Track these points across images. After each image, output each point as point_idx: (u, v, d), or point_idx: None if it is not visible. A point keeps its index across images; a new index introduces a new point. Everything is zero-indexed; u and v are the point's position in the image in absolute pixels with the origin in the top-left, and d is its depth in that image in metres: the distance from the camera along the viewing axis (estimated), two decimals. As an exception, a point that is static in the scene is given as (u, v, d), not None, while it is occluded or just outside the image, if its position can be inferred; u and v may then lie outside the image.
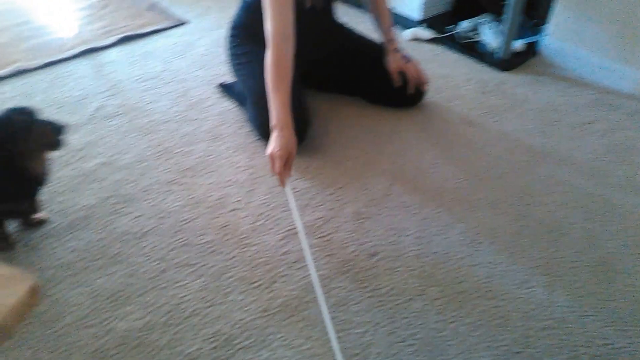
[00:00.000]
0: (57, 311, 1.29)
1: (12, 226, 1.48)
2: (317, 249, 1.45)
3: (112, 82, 2.08)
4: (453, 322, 1.28)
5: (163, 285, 1.36)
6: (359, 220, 1.54)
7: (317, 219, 1.54)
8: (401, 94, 1.96)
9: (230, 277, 1.38)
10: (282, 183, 1.43)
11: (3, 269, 1.00)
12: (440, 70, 2.24)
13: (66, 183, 1.64)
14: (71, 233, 1.49)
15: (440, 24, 2.53)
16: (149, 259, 1.42)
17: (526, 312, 1.31)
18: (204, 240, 1.47)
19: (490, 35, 2.37)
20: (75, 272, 1.38)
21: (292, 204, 1.41)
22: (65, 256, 1.42)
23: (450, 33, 2.46)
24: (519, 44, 2.32)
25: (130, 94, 2.03)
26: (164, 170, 1.70)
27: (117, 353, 1.21)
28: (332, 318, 1.28)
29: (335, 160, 1.75)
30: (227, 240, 1.48)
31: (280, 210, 1.56)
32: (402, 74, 1.93)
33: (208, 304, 1.32)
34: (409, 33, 2.47)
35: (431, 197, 1.63)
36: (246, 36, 1.89)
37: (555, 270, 1.42)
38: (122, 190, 1.62)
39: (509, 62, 2.27)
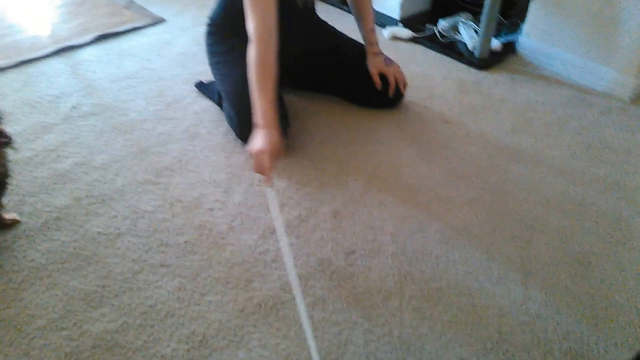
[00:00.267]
0: (28, 314, 1.27)
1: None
2: (294, 247, 1.45)
3: (88, 81, 2.05)
4: (429, 319, 1.29)
5: (138, 287, 1.34)
6: (336, 219, 1.54)
7: (294, 217, 1.54)
8: (381, 95, 1.96)
9: (207, 277, 1.37)
10: (268, 181, 1.39)
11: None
12: (419, 69, 2.25)
13: (39, 184, 1.62)
14: (44, 234, 1.46)
15: (419, 23, 2.54)
16: (124, 260, 1.40)
17: (501, 309, 1.32)
18: (180, 241, 1.46)
19: (468, 34, 2.38)
20: (47, 274, 1.36)
21: (274, 204, 1.37)
22: (38, 258, 1.40)
23: (429, 32, 2.47)
24: (496, 43, 2.33)
25: (106, 93, 2.00)
26: (139, 170, 1.68)
27: (91, 355, 1.19)
28: (309, 317, 1.28)
29: (313, 159, 1.75)
30: (203, 240, 1.47)
31: (258, 210, 1.56)
32: (383, 77, 1.93)
33: (184, 304, 1.30)
34: (387, 32, 2.48)
35: (408, 196, 1.63)
36: (224, 33, 1.88)
37: (530, 267, 1.43)
38: (97, 190, 1.60)
39: (487, 61, 2.29)
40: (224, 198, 1.59)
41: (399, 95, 1.98)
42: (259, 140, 1.44)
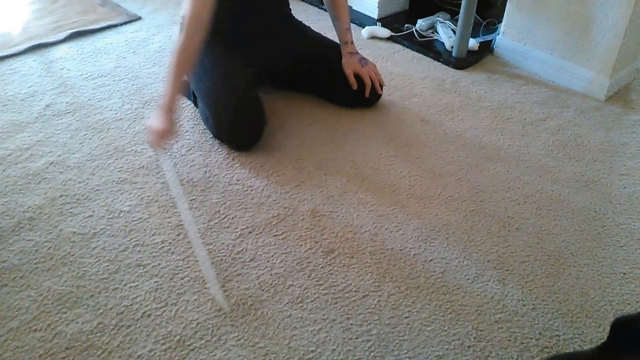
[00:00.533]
0: (1, 315, 1.24)
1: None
2: (272, 247, 1.44)
3: (62, 79, 2.02)
4: (407, 317, 1.29)
5: (114, 287, 1.32)
6: (315, 218, 1.54)
7: (272, 217, 1.53)
8: (357, 96, 1.95)
9: (184, 277, 1.36)
10: (154, 149, 1.66)
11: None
12: (397, 68, 2.26)
13: (12, 183, 1.59)
14: (17, 234, 1.44)
15: (397, 23, 2.55)
16: (99, 260, 1.38)
17: (479, 306, 1.33)
18: (156, 240, 1.44)
19: (445, 34, 2.40)
20: (21, 275, 1.34)
21: (169, 171, 1.59)
22: (11, 258, 1.37)
23: (407, 31, 2.48)
24: (473, 43, 2.35)
25: (81, 92, 1.97)
26: (115, 169, 1.66)
27: (66, 357, 1.17)
28: (288, 316, 1.28)
29: (292, 158, 1.74)
30: (181, 239, 1.45)
31: (236, 209, 1.55)
32: (359, 77, 1.92)
33: (161, 304, 1.29)
34: (366, 31, 2.48)
35: (387, 194, 1.63)
36: None
37: (507, 264, 1.44)
38: (72, 190, 1.58)
39: (464, 61, 2.30)
40: (202, 197, 1.58)
41: (376, 95, 1.98)
42: (156, 120, 1.58)
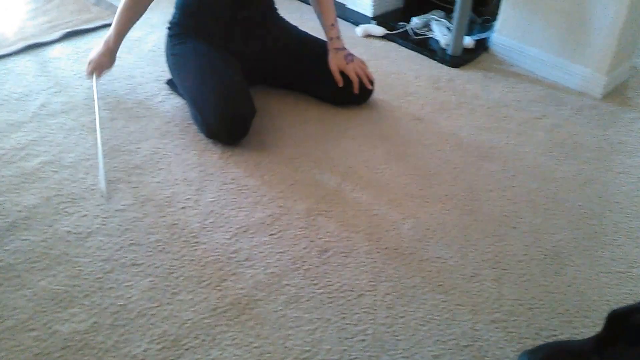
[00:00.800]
0: (-4, 315, 1.24)
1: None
2: (267, 246, 1.44)
3: (57, 79, 2.02)
4: (403, 316, 1.29)
5: (109, 286, 1.32)
6: (310, 217, 1.53)
7: (267, 216, 1.53)
8: (345, 93, 1.93)
9: (179, 276, 1.35)
10: (88, 76, 1.92)
11: None
12: (392, 67, 2.25)
13: (7, 183, 1.58)
14: (12, 234, 1.43)
15: (391, 21, 2.54)
16: (94, 260, 1.38)
17: (475, 306, 1.32)
18: (151, 240, 1.44)
19: (440, 32, 2.39)
20: (16, 274, 1.33)
21: (94, 93, 1.84)
22: (6, 258, 1.37)
23: (402, 29, 2.47)
24: (468, 41, 2.35)
25: (76, 91, 1.97)
26: (110, 168, 1.65)
27: (61, 356, 1.17)
28: (283, 315, 1.27)
29: (287, 157, 1.74)
30: (175, 239, 1.45)
31: (231, 209, 1.54)
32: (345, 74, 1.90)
33: (156, 304, 1.29)
34: (360, 29, 2.48)
35: (382, 193, 1.63)
36: (182, 34, 1.88)
37: (503, 263, 1.44)
38: (67, 189, 1.57)
39: (459, 59, 2.30)
40: (196, 196, 1.57)
41: (366, 91, 1.96)
42: (97, 52, 1.88)
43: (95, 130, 1.76)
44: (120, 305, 1.28)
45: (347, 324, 1.27)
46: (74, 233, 1.45)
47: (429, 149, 1.82)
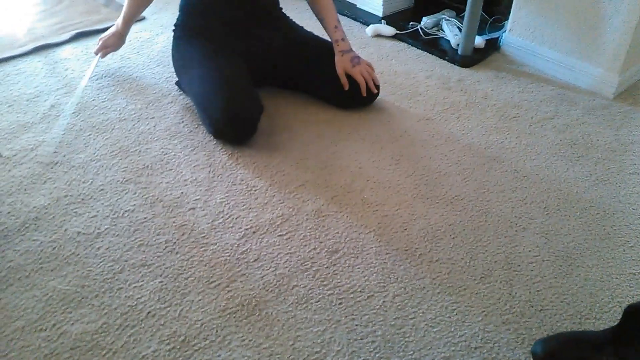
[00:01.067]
0: (7, 315, 1.24)
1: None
2: (276, 247, 1.44)
3: (67, 80, 2.02)
4: (413, 318, 1.28)
5: (119, 287, 1.32)
6: (319, 218, 1.53)
7: (277, 217, 1.52)
8: (349, 96, 1.91)
9: (188, 277, 1.35)
10: (96, 52, 2.05)
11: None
12: (402, 67, 2.24)
13: (17, 183, 1.58)
14: (22, 235, 1.44)
15: (402, 20, 2.53)
16: (104, 260, 1.38)
17: (486, 307, 1.31)
18: (161, 240, 1.44)
19: (451, 31, 2.38)
20: (26, 275, 1.33)
21: (91, 69, 2.02)
22: (16, 258, 1.37)
23: (412, 29, 2.46)
24: (479, 41, 2.33)
25: (85, 92, 1.97)
26: (119, 169, 1.65)
27: (70, 357, 1.17)
28: (292, 316, 1.27)
29: (296, 158, 1.74)
30: (185, 239, 1.45)
31: (240, 209, 1.54)
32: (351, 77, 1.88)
33: (165, 304, 1.28)
34: (370, 29, 2.47)
35: (392, 194, 1.62)
36: (187, 36, 1.89)
37: (514, 265, 1.42)
38: (76, 190, 1.58)
39: (470, 59, 2.29)
40: (206, 197, 1.57)
41: (370, 94, 1.93)
42: (107, 33, 2.02)
43: (104, 131, 1.77)
44: (130, 305, 1.28)
45: (356, 325, 1.26)
46: (84, 233, 1.45)
47: (439, 149, 1.81)
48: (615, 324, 1.17)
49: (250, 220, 1.51)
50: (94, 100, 1.94)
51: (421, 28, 2.46)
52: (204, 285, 1.33)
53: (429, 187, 1.65)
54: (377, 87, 1.93)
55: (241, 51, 1.87)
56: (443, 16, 2.48)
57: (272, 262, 1.40)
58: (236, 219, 1.51)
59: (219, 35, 1.86)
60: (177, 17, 1.94)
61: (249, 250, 1.43)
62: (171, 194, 1.58)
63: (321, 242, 1.46)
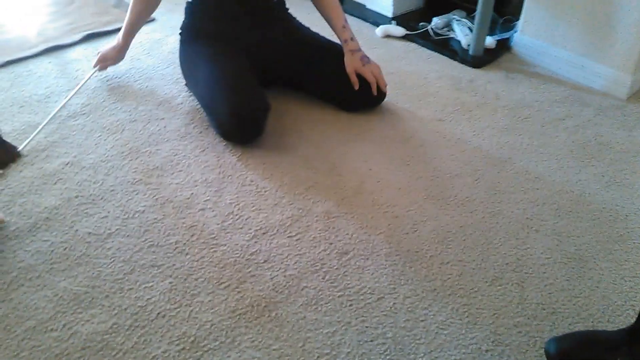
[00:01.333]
0: (18, 315, 1.25)
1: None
2: (286, 248, 1.43)
3: (77, 81, 2.02)
4: (424, 320, 1.27)
5: (129, 287, 1.32)
6: (329, 219, 1.52)
7: (286, 218, 1.52)
8: (359, 96, 1.90)
9: (198, 278, 1.35)
10: (94, 66, 1.99)
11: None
12: (412, 67, 2.23)
13: (28, 184, 1.59)
14: (33, 235, 1.44)
15: (412, 21, 2.52)
16: (114, 261, 1.38)
17: (497, 310, 1.30)
18: (171, 241, 1.44)
19: (462, 32, 2.37)
20: (37, 275, 1.34)
21: (85, 79, 1.97)
22: (27, 259, 1.38)
23: (422, 30, 2.46)
24: (490, 41, 2.32)
25: (96, 93, 1.98)
26: (130, 170, 1.66)
27: (81, 357, 1.17)
28: (302, 318, 1.27)
29: (306, 159, 1.73)
30: (195, 240, 1.45)
31: (250, 210, 1.54)
32: (361, 76, 1.87)
33: (175, 305, 1.28)
34: (380, 30, 2.46)
35: (402, 196, 1.61)
36: (192, 39, 1.90)
37: (526, 267, 1.41)
38: (87, 190, 1.58)
39: (481, 59, 2.28)
40: (215, 198, 1.57)
41: (378, 97, 1.92)
42: (108, 47, 1.99)
43: (114, 132, 1.77)
44: (140, 306, 1.28)
45: (366, 327, 1.26)
46: (94, 234, 1.45)
47: (449, 150, 1.80)
48: (630, 325, 1.16)
49: (260, 222, 1.50)
50: (104, 101, 1.94)
51: (431, 28, 2.44)
52: (214, 286, 1.33)
53: (439, 188, 1.65)
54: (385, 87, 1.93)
55: (247, 52, 1.87)
56: (453, 16, 2.47)
57: (281, 263, 1.39)
58: (246, 220, 1.51)
59: (224, 36, 1.86)
60: (182, 22, 1.95)
61: (258, 251, 1.42)
62: (181, 194, 1.58)
63: (331, 244, 1.45)
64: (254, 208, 1.55)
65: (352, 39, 1.89)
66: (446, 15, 2.49)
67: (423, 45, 2.39)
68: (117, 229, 1.47)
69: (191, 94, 1.99)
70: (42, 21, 2.43)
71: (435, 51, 2.35)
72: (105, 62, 1.99)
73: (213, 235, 1.46)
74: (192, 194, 1.58)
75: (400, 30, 2.45)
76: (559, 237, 1.50)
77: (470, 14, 2.45)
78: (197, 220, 1.50)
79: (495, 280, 1.37)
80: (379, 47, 2.36)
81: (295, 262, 1.40)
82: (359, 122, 1.90)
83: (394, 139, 1.83)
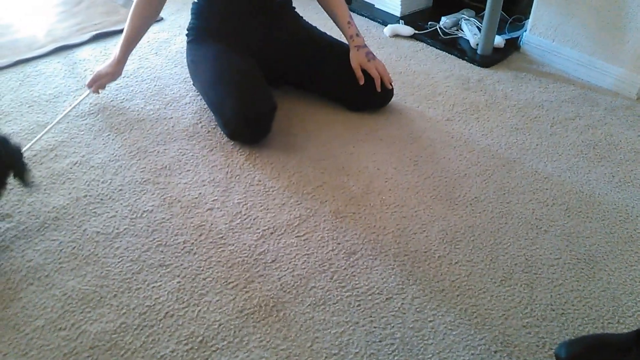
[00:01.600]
0: (27, 314, 1.25)
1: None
2: (294, 248, 1.43)
3: (86, 81, 2.02)
4: (432, 320, 1.27)
5: (137, 287, 1.32)
6: (337, 219, 1.52)
7: (294, 218, 1.52)
8: (364, 95, 1.90)
9: (206, 277, 1.35)
10: (93, 88, 1.88)
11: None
12: (420, 67, 2.23)
13: (37, 183, 1.60)
14: (42, 234, 1.45)
15: (420, 20, 2.52)
16: (122, 260, 1.39)
17: (506, 310, 1.30)
18: (179, 241, 1.44)
19: (470, 31, 2.36)
20: (46, 274, 1.34)
21: (80, 99, 1.88)
22: (36, 258, 1.38)
23: (431, 29, 2.45)
24: (499, 40, 2.31)
25: (104, 92, 1.98)
26: (138, 169, 1.66)
27: (90, 356, 1.17)
28: (310, 318, 1.26)
29: (314, 159, 1.73)
30: (202, 240, 1.45)
31: (258, 210, 1.54)
32: (366, 73, 1.86)
33: (183, 305, 1.28)
34: (388, 30, 2.45)
35: (411, 195, 1.61)
36: (199, 39, 1.90)
37: (535, 267, 1.40)
38: (95, 190, 1.58)
39: (490, 59, 2.27)
40: (223, 198, 1.57)
41: (387, 93, 1.92)
42: (104, 64, 1.87)
43: (123, 132, 1.78)
44: (148, 306, 1.28)
45: (375, 327, 1.25)
46: (103, 234, 1.45)
47: (458, 150, 1.79)
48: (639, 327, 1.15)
49: (268, 221, 1.50)
50: (112, 100, 1.95)
51: (440, 28, 2.44)
52: (222, 285, 1.33)
53: (448, 188, 1.64)
54: (391, 85, 1.92)
55: (253, 51, 1.87)
56: (462, 15, 2.46)
57: (289, 263, 1.39)
58: (254, 219, 1.51)
59: (231, 36, 1.86)
60: (189, 22, 1.95)
61: (266, 251, 1.42)
62: (189, 194, 1.58)
63: (339, 244, 1.45)
64: (261, 208, 1.54)
65: (357, 35, 1.88)
66: (455, 14, 2.48)
67: (431, 45, 2.38)
68: (125, 229, 1.47)
69: (199, 93, 1.99)
70: (50, 21, 2.44)
71: (444, 51, 2.34)
72: (100, 80, 1.86)
73: (221, 235, 1.46)
74: (200, 193, 1.58)
75: (409, 30, 2.44)
76: (568, 238, 1.49)
77: (479, 13, 2.44)
78: (205, 220, 1.50)
79: (504, 281, 1.37)
80: (387, 47, 2.35)
81: (303, 262, 1.40)
82: (367, 122, 1.90)
83: (402, 139, 1.83)
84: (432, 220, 1.53)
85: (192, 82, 2.01)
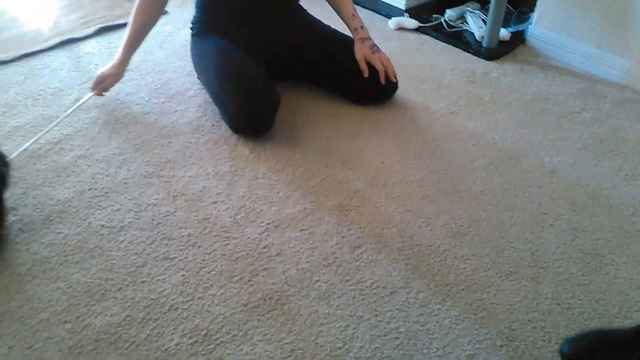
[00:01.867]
0: (32, 307, 1.25)
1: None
2: (298, 241, 1.43)
3: (90, 74, 2.03)
4: (437, 315, 1.26)
5: (141, 280, 1.32)
6: (341, 212, 1.52)
7: (299, 211, 1.51)
8: (369, 87, 1.89)
9: (210, 270, 1.35)
10: (97, 91, 1.84)
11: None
12: (425, 60, 2.22)
13: (42, 177, 1.60)
14: (47, 227, 1.45)
15: (425, 13, 2.50)
16: (127, 253, 1.39)
17: (511, 305, 1.29)
18: (183, 234, 1.44)
19: (475, 24, 2.35)
20: (51, 267, 1.34)
21: (82, 101, 1.83)
22: (41, 251, 1.38)
23: (436, 22, 2.43)
24: (505, 33, 2.30)
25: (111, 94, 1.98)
26: (142, 162, 1.66)
27: (94, 349, 1.18)
28: (315, 312, 1.26)
29: (318, 152, 1.72)
30: (207, 233, 1.44)
31: (262, 203, 1.53)
32: (371, 65, 1.85)
33: (187, 298, 1.28)
34: (393, 22, 2.44)
35: (415, 189, 1.60)
36: (203, 33, 1.89)
37: (541, 262, 1.40)
38: (100, 183, 1.58)
39: (495, 52, 2.25)
40: (228, 191, 1.57)
41: (391, 86, 1.91)
42: (107, 66, 1.84)
43: (127, 125, 1.78)
44: (153, 299, 1.28)
45: (379, 321, 1.25)
46: (107, 227, 1.45)
47: (463, 143, 1.78)
48: None
49: (272, 215, 1.50)
50: (117, 94, 1.94)
51: (445, 20, 2.42)
52: (226, 279, 1.33)
53: (453, 182, 1.63)
54: (396, 78, 1.91)
55: (257, 45, 1.86)
56: (467, 8, 2.44)
57: (294, 256, 1.39)
58: (258, 213, 1.51)
59: (234, 30, 1.85)
60: (193, 16, 1.95)
61: (270, 244, 1.42)
62: (193, 187, 1.58)
63: (343, 237, 1.45)
64: (266, 201, 1.54)
65: (362, 27, 1.88)
66: (460, 7, 2.47)
67: (436, 38, 2.37)
68: (129, 222, 1.47)
69: (203, 87, 1.98)
70: (55, 14, 2.43)
71: (449, 43, 2.33)
72: (103, 81, 1.82)
73: (225, 228, 1.46)
74: (205, 186, 1.58)
75: (413, 23, 2.43)
76: (574, 232, 1.49)
77: (484, 6, 2.42)
78: (210, 213, 1.50)
79: (509, 275, 1.36)
80: (392, 40, 2.34)
81: (308, 256, 1.39)
82: (371, 115, 1.89)
83: (407, 132, 1.82)
84: (437, 214, 1.52)
85: (196, 76, 2.01)
